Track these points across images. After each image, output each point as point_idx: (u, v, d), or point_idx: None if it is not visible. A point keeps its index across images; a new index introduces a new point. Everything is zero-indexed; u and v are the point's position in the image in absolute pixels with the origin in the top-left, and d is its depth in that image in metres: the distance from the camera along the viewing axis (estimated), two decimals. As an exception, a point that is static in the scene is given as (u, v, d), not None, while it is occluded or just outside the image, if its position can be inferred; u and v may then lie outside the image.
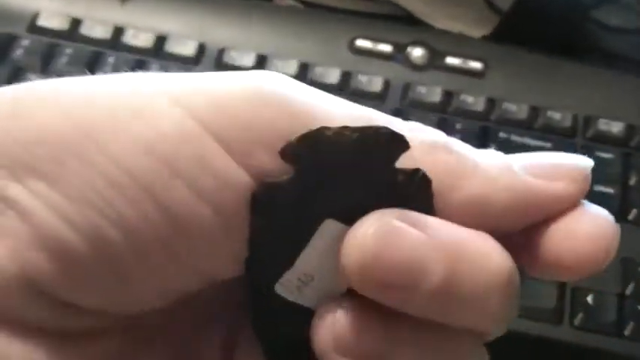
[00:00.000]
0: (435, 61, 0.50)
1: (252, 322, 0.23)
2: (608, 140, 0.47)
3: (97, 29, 0.50)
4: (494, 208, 0.21)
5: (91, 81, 0.21)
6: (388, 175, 0.20)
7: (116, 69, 0.48)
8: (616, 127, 0.47)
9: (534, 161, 0.21)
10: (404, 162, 0.20)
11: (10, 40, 0.49)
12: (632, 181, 0.45)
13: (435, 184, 0.20)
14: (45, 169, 0.19)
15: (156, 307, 0.21)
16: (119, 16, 0.50)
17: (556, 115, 0.47)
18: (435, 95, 0.48)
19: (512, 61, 0.50)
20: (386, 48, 0.50)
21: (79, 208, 0.19)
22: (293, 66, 0.48)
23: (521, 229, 0.21)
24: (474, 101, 0.48)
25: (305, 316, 0.21)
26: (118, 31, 0.49)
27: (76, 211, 0.19)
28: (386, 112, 0.21)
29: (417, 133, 0.21)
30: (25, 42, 0.49)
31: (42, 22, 0.50)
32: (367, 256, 0.19)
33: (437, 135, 0.21)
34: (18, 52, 0.48)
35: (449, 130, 0.46)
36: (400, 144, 0.20)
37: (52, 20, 0.50)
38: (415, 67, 0.49)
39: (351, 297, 0.21)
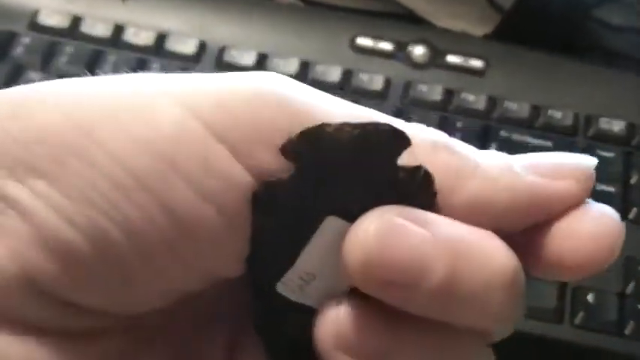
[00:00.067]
0: (436, 59, 0.50)
1: (255, 322, 0.23)
2: (609, 139, 0.47)
3: (97, 27, 0.49)
4: (495, 208, 0.20)
5: (92, 82, 0.21)
6: (390, 172, 0.20)
7: (116, 67, 0.48)
8: (617, 126, 0.47)
9: (536, 161, 0.21)
10: (405, 161, 0.20)
11: (11, 37, 0.49)
12: (634, 180, 0.45)
13: (436, 184, 0.20)
14: (45, 168, 0.19)
15: (158, 307, 0.21)
16: (120, 14, 0.50)
17: (557, 114, 0.47)
18: (436, 94, 0.48)
19: (513, 59, 0.50)
20: (387, 46, 0.50)
21: (80, 208, 0.19)
22: (294, 64, 0.48)
23: (523, 229, 0.21)
24: (474, 100, 0.48)
25: (308, 316, 0.21)
26: (119, 29, 0.49)
27: (76, 210, 0.19)
28: (387, 110, 0.21)
29: (419, 133, 0.21)
30: (26, 40, 0.49)
31: (42, 19, 0.50)
32: (369, 254, 0.19)
33: (438, 135, 0.21)
34: (18, 50, 0.48)
35: (450, 129, 0.46)
36: (401, 140, 0.20)
37: (53, 18, 0.50)
38: (416, 65, 0.49)
39: (354, 296, 0.21)
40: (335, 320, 0.21)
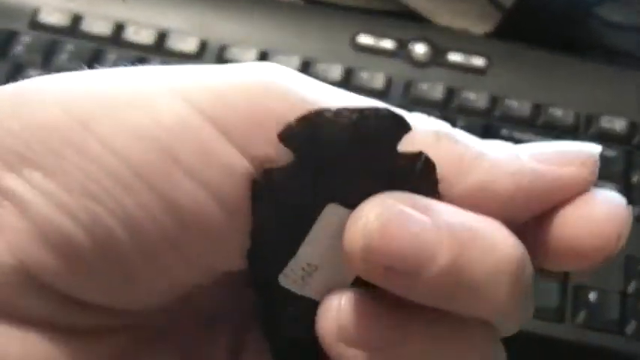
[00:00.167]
0: (437, 57, 0.50)
1: (259, 318, 0.23)
2: (611, 138, 0.47)
3: (98, 25, 0.49)
4: (500, 196, 0.20)
5: (91, 75, 0.21)
6: (390, 158, 0.20)
7: (117, 65, 0.47)
8: (618, 125, 0.47)
9: (541, 149, 0.21)
10: (407, 148, 0.20)
11: (11, 36, 0.49)
12: (635, 179, 0.45)
13: (439, 173, 0.20)
14: (42, 160, 0.19)
15: (159, 303, 0.21)
16: (120, 12, 0.50)
17: (558, 113, 0.47)
18: (437, 92, 0.48)
19: (514, 57, 0.50)
20: (388, 44, 0.50)
21: (78, 200, 0.19)
22: (295, 62, 0.48)
23: (530, 218, 0.21)
24: (476, 98, 0.48)
25: (311, 310, 0.21)
26: (119, 28, 0.49)
27: (74, 202, 0.19)
28: (388, 109, 0.21)
29: (421, 122, 0.20)
30: (26, 38, 0.49)
31: (43, 18, 0.50)
32: (370, 240, 0.19)
33: (440, 125, 0.21)
34: (18, 49, 0.48)
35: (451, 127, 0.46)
36: (401, 125, 0.20)
37: (53, 16, 0.50)
38: (417, 63, 0.49)
39: (357, 287, 0.21)
40: (337, 311, 0.20)
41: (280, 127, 0.19)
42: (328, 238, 0.20)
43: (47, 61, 0.48)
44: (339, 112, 0.19)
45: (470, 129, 0.48)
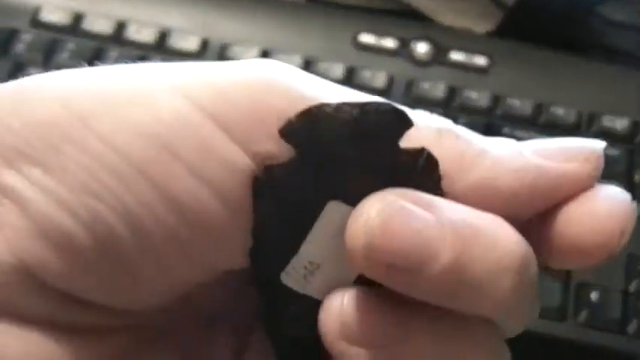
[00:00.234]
0: (438, 56, 0.49)
1: (261, 317, 0.23)
2: (613, 137, 0.46)
3: (99, 24, 0.49)
4: (504, 193, 0.20)
5: (91, 72, 0.20)
6: (392, 154, 0.20)
7: (119, 64, 0.47)
8: (620, 124, 0.47)
9: (544, 145, 0.21)
10: (409, 145, 0.20)
11: (12, 34, 0.49)
12: (637, 178, 0.45)
13: (442, 169, 0.20)
14: (41, 156, 0.19)
15: (161, 302, 0.21)
16: (122, 10, 0.50)
17: (560, 112, 0.47)
18: (439, 91, 0.48)
19: (516, 56, 0.50)
20: (390, 43, 0.50)
21: (77, 196, 0.19)
22: (296, 61, 0.48)
23: (533, 215, 0.21)
24: (477, 97, 0.48)
25: (313, 309, 0.21)
26: (121, 26, 0.49)
27: (74, 198, 0.19)
28: (390, 108, 0.21)
29: (423, 119, 0.20)
30: (27, 36, 0.49)
31: (44, 16, 0.50)
32: (371, 237, 0.19)
33: (443, 122, 0.21)
34: (19, 47, 0.48)
35: (452, 126, 0.46)
36: (403, 121, 0.20)
37: (54, 15, 0.50)
38: (419, 62, 0.49)
39: (359, 286, 0.20)
40: (340, 309, 0.20)
41: (280, 123, 0.19)
42: (330, 236, 0.20)
43: (48, 59, 0.48)
44: (340, 108, 0.19)
45: (472, 128, 0.47)
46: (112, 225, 0.19)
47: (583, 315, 0.40)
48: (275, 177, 0.20)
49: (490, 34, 0.54)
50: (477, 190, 0.20)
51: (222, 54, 0.49)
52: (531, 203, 0.20)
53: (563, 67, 0.50)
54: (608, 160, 0.46)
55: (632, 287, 0.41)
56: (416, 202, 0.19)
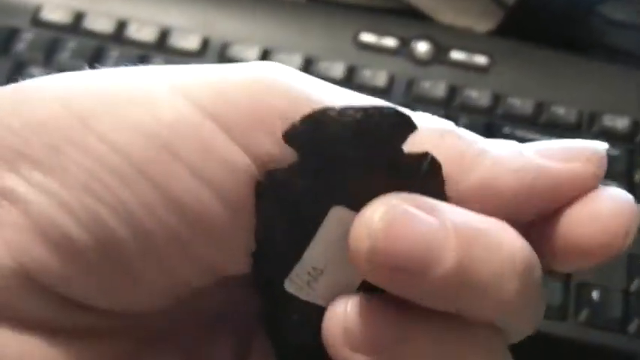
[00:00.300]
0: (439, 55, 0.49)
1: (263, 323, 0.23)
2: (613, 136, 0.46)
3: (100, 23, 0.49)
4: (506, 194, 0.20)
5: (92, 74, 0.20)
6: (396, 158, 0.20)
7: (119, 63, 0.48)
8: (621, 123, 0.47)
9: (546, 146, 0.21)
10: (412, 148, 0.20)
11: (13, 33, 0.49)
12: (638, 177, 0.45)
13: (444, 170, 0.20)
14: (41, 157, 0.19)
15: (162, 305, 0.21)
16: (122, 9, 0.50)
17: (561, 111, 0.47)
18: (440, 90, 0.48)
19: (517, 56, 0.50)
20: (390, 42, 0.50)
21: (78, 196, 0.18)
22: (297, 60, 0.48)
23: (535, 216, 0.21)
24: (478, 96, 0.48)
25: (318, 316, 0.21)
26: (122, 25, 0.49)
27: (74, 199, 0.18)
28: (390, 107, 0.21)
29: (425, 121, 0.20)
30: (28, 35, 0.49)
31: (45, 15, 0.49)
32: (375, 241, 0.19)
33: (445, 124, 0.21)
34: (20, 46, 0.48)
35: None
36: (406, 124, 0.20)
37: (55, 13, 0.49)
38: (419, 61, 0.49)
39: (363, 292, 0.20)
40: (343, 316, 0.20)
41: (283, 125, 0.19)
42: (333, 242, 0.20)
43: (49, 58, 0.48)
44: (344, 111, 0.19)
45: (472, 127, 0.48)
46: (113, 226, 0.19)
47: (584, 314, 0.40)
48: (277, 181, 0.19)
49: (491, 34, 0.54)
50: (477, 191, 0.20)
51: (223, 53, 0.49)
52: (532, 203, 0.20)
53: (563, 66, 0.50)
54: (609, 159, 0.46)
55: (634, 287, 0.41)
56: (419, 206, 0.19)
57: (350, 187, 0.20)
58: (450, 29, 0.53)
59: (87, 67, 0.21)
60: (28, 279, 0.19)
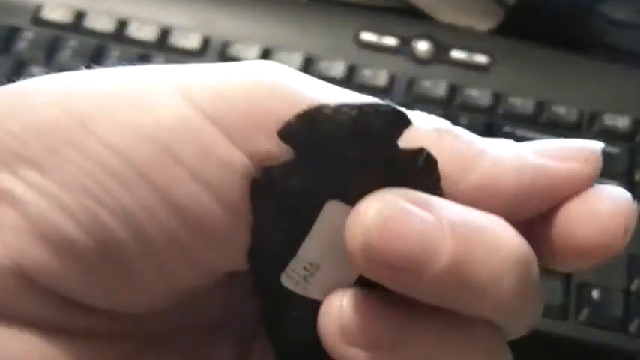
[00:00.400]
0: (440, 54, 0.49)
1: (263, 323, 0.23)
2: (614, 135, 0.46)
3: (100, 22, 0.49)
4: (504, 193, 0.20)
5: (90, 74, 0.20)
6: (391, 155, 0.20)
7: (120, 62, 0.48)
8: (621, 122, 0.47)
9: (543, 146, 0.21)
10: (409, 146, 0.20)
11: (13, 32, 0.49)
12: (638, 177, 0.45)
13: (441, 170, 0.20)
14: (40, 160, 0.19)
15: (162, 305, 0.21)
16: (123, 8, 0.50)
17: (561, 110, 0.47)
18: (440, 89, 0.48)
19: (517, 55, 0.50)
20: (391, 41, 0.50)
21: (77, 199, 0.18)
22: (298, 59, 0.48)
23: (533, 215, 0.21)
24: (479, 95, 0.48)
25: (315, 312, 0.21)
26: (122, 24, 0.49)
27: (74, 202, 0.18)
28: (391, 106, 0.21)
29: (422, 120, 0.20)
30: (29, 34, 0.49)
31: (46, 14, 0.49)
32: (369, 237, 0.18)
33: (442, 123, 0.21)
34: (21, 45, 0.48)
35: (454, 125, 0.46)
36: (401, 121, 0.20)
37: (56, 12, 0.49)
38: (420, 60, 0.49)
39: (359, 287, 0.20)
40: (339, 311, 0.20)
41: (279, 124, 0.19)
42: (329, 236, 0.20)
43: (50, 57, 0.48)
44: (339, 109, 0.19)
45: (472, 126, 0.48)
46: (113, 228, 0.19)
47: (584, 313, 0.40)
48: (273, 178, 0.19)
49: (491, 33, 0.54)
50: (476, 191, 0.20)
51: (224, 52, 0.49)
52: (531, 203, 0.20)
53: (564, 65, 0.50)
54: (609, 158, 0.46)
55: (634, 286, 0.41)
56: (415, 202, 0.19)
57: (345, 182, 0.20)
58: (450, 28, 0.53)
59: (88, 66, 0.21)
60: (27, 279, 0.19)
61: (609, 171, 0.44)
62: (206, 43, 0.49)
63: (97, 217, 0.19)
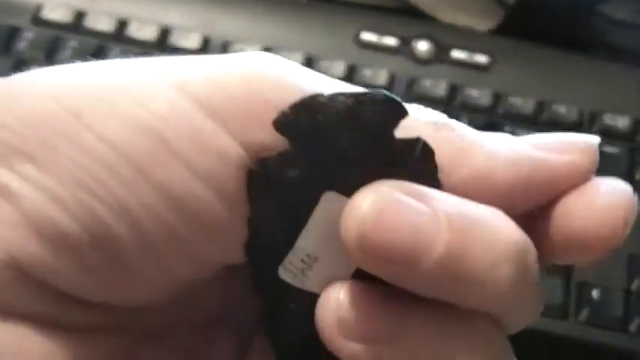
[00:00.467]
0: (440, 54, 0.49)
1: (263, 321, 0.23)
2: (614, 135, 0.46)
3: (101, 22, 0.49)
4: (501, 185, 0.20)
5: (85, 67, 0.20)
6: (388, 144, 0.19)
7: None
8: (622, 122, 0.47)
9: (540, 139, 0.21)
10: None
11: (14, 32, 0.49)
12: (639, 176, 0.45)
13: (438, 162, 0.20)
14: (33, 152, 0.18)
15: (160, 299, 0.21)
16: (123, 8, 0.50)
17: (562, 110, 0.47)
18: (441, 89, 0.48)
19: (517, 55, 0.50)
20: (391, 41, 0.50)
21: (72, 192, 0.18)
22: (298, 59, 0.48)
23: (531, 208, 0.20)
24: (479, 95, 0.48)
25: (314, 305, 0.20)
26: (122, 24, 0.49)
27: (68, 194, 0.18)
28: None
29: (419, 113, 0.20)
30: (29, 34, 0.49)
31: (46, 14, 0.49)
32: (365, 229, 0.18)
33: (439, 116, 0.20)
34: (21, 45, 0.48)
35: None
36: (397, 110, 0.19)
37: (56, 12, 0.50)
38: (420, 60, 0.49)
39: (357, 279, 0.20)
40: (336, 304, 0.20)
41: (274, 114, 0.19)
42: (327, 228, 0.20)
43: (50, 57, 0.48)
44: (334, 97, 0.19)
45: (473, 126, 0.48)
46: (109, 222, 0.19)
47: (585, 313, 0.40)
48: (270, 169, 0.19)
49: (491, 33, 0.54)
50: (472, 183, 0.20)
51: (224, 52, 0.48)
52: (529, 196, 0.20)
53: (564, 65, 0.50)
54: (610, 158, 0.46)
55: (634, 286, 0.41)
56: (410, 194, 0.19)
57: (342, 173, 0.19)
58: (450, 28, 0.53)
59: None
60: (22, 273, 0.19)
61: (610, 170, 0.44)
62: (206, 43, 0.49)
63: (92, 211, 0.18)
